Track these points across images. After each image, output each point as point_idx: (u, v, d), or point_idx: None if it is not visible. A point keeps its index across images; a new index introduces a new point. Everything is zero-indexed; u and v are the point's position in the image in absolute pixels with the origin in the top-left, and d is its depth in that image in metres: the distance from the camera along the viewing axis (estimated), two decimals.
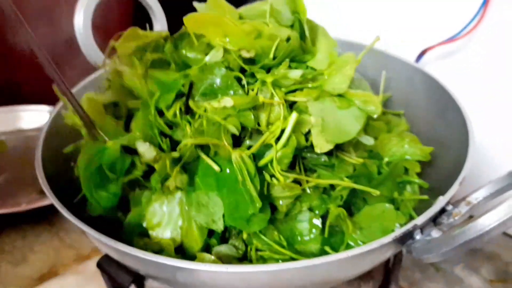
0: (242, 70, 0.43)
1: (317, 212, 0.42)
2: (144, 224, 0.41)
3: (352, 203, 0.44)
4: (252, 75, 0.42)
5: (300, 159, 0.43)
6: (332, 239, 0.42)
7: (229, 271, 0.32)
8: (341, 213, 0.41)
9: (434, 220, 0.37)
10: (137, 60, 0.44)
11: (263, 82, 0.41)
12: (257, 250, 0.41)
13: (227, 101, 0.38)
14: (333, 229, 0.42)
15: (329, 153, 0.43)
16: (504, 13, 0.55)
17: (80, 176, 0.41)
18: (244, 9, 0.48)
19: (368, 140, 0.45)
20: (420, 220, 0.35)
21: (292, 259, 0.40)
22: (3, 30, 0.66)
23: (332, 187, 0.43)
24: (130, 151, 0.42)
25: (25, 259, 0.60)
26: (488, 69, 0.59)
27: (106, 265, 0.42)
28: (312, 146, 0.40)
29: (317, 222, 0.42)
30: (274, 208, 0.41)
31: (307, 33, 0.45)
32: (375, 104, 0.42)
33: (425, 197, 0.45)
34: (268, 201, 0.40)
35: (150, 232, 0.41)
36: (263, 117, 0.40)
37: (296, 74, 0.41)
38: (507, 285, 0.57)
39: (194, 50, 0.45)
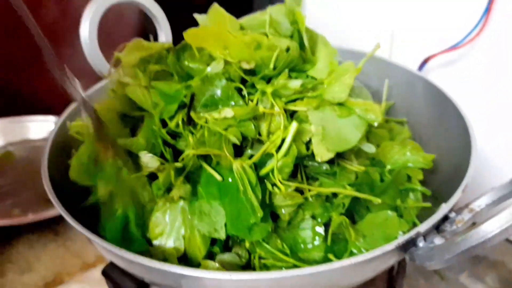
0: (243, 81, 0.43)
1: (319, 220, 0.42)
2: (147, 234, 0.42)
3: (355, 211, 0.44)
4: (253, 86, 0.43)
5: (302, 168, 0.43)
6: (335, 247, 0.42)
7: (233, 279, 0.32)
8: (343, 221, 0.41)
9: (437, 228, 0.37)
10: (141, 72, 0.45)
11: (263, 93, 0.42)
12: (260, 258, 0.41)
13: (228, 112, 0.39)
14: (336, 237, 0.42)
15: (330, 161, 0.43)
16: (506, 21, 0.56)
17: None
18: (244, 20, 0.48)
19: (370, 148, 0.45)
20: (423, 227, 0.35)
21: (296, 266, 0.40)
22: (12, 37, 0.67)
23: (335, 195, 0.43)
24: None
25: (30, 267, 0.61)
26: (490, 77, 0.59)
27: (111, 272, 0.42)
28: (313, 154, 0.40)
29: (320, 230, 0.42)
30: (276, 217, 0.41)
31: (306, 42, 0.46)
32: (375, 113, 0.42)
33: (428, 204, 0.45)
34: (270, 209, 0.40)
35: (154, 241, 0.41)
36: (263, 127, 0.41)
37: (296, 83, 0.42)
38: None
39: (196, 61, 0.45)
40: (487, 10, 0.56)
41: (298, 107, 0.42)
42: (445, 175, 0.47)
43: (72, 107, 0.50)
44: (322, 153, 0.40)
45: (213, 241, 0.41)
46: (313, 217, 0.42)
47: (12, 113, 0.81)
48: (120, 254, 0.34)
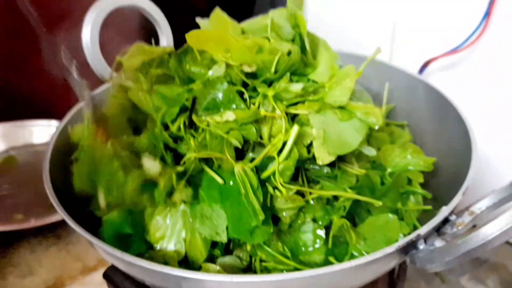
0: (244, 84, 0.43)
1: (320, 223, 0.42)
2: (148, 238, 0.42)
3: (356, 214, 0.44)
4: (254, 89, 0.43)
5: (303, 171, 0.43)
6: (336, 250, 0.42)
7: (234, 281, 0.32)
8: (344, 224, 0.41)
9: (438, 230, 0.37)
10: (143, 76, 0.45)
11: (265, 96, 0.42)
12: (261, 261, 0.41)
13: (229, 115, 0.39)
14: (337, 239, 0.42)
15: (331, 164, 0.43)
16: (506, 25, 0.56)
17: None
18: (246, 24, 0.49)
19: (370, 151, 0.45)
20: (423, 230, 0.35)
21: (296, 269, 0.40)
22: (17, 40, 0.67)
23: (336, 198, 0.43)
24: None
25: (32, 271, 0.61)
26: (491, 80, 0.59)
27: (112, 275, 0.42)
28: (314, 157, 0.41)
29: (321, 233, 0.42)
30: (278, 220, 0.41)
31: (307, 46, 0.46)
32: (376, 116, 0.42)
33: (429, 207, 0.45)
34: (271, 212, 0.40)
35: (154, 245, 0.41)
36: (265, 130, 0.41)
37: (297, 87, 0.42)
38: None
39: (198, 64, 0.45)
40: (487, 13, 0.56)
41: (299, 110, 0.42)
42: (445, 178, 0.47)
43: (73, 111, 0.50)
44: (323, 156, 0.40)
45: (214, 244, 0.41)
46: (314, 220, 0.42)
47: (12, 114, 0.81)
48: (121, 257, 0.34)
